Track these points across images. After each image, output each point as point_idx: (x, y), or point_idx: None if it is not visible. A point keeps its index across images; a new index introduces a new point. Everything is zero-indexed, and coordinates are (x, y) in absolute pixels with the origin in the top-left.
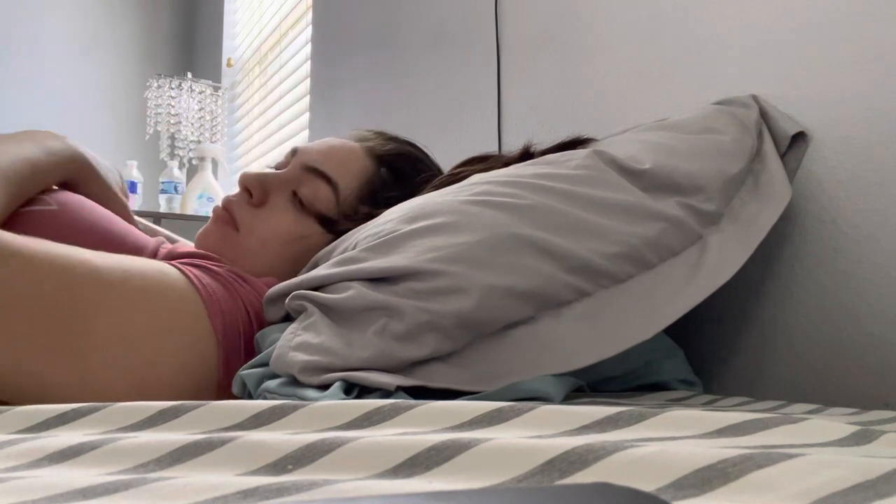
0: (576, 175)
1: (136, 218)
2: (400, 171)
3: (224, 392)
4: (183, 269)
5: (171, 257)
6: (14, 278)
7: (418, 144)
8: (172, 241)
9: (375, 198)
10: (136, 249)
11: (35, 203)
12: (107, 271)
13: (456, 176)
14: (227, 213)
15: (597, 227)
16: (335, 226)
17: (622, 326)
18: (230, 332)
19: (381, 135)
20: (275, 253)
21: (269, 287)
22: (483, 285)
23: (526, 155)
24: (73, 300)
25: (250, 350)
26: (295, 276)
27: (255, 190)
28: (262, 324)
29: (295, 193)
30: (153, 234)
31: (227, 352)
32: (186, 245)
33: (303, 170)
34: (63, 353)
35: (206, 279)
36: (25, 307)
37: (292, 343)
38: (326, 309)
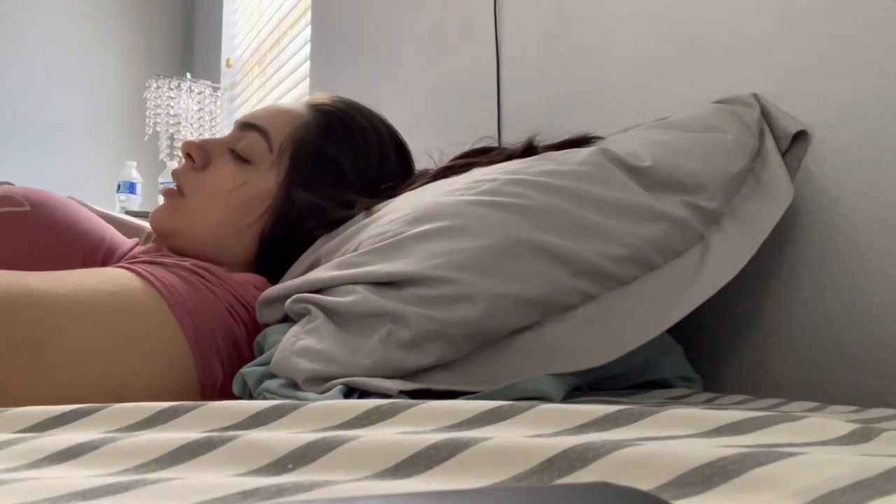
0: (581, 172)
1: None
2: (331, 122)
3: (208, 393)
4: (139, 270)
5: (132, 259)
6: None
7: (380, 120)
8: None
9: (309, 140)
10: (111, 250)
11: (7, 203)
12: (52, 292)
13: (457, 169)
14: (174, 189)
15: (603, 228)
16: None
17: (626, 329)
18: (201, 329)
19: (341, 99)
20: (220, 205)
21: (248, 282)
22: (490, 293)
23: (529, 149)
24: (27, 325)
25: (230, 346)
26: (243, 226)
27: (196, 153)
28: (246, 320)
29: (233, 150)
30: (140, 231)
31: (202, 351)
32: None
33: (238, 128)
34: (31, 374)
35: (167, 277)
36: None
37: (295, 347)
38: (330, 313)
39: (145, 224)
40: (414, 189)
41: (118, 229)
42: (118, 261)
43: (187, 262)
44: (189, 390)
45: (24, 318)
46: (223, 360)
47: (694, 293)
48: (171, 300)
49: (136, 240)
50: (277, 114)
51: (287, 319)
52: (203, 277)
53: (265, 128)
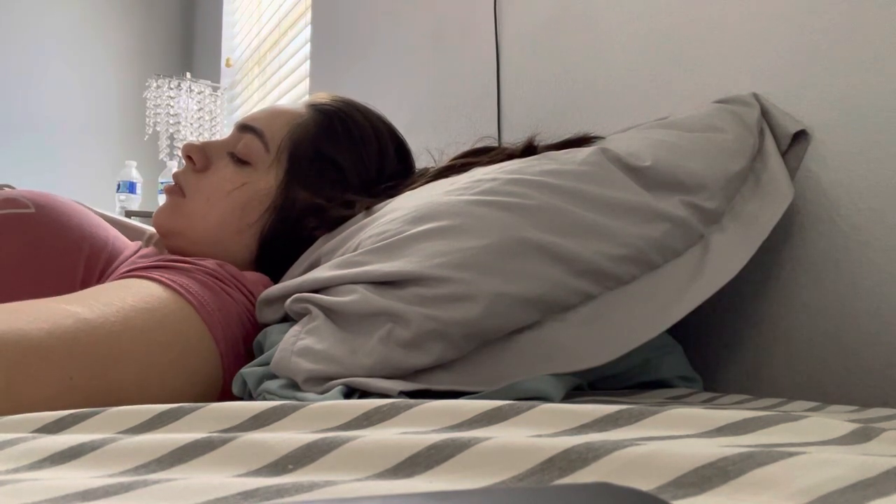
0: (581, 172)
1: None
2: (330, 122)
3: (228, 398)
4: (166, 281)
5: (145, 263)
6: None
7: (379, 119)
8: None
9: (308, 140)
10: (114, 253)
11: (11, 206)
12: (106, 322)
13: (457, 168)
14: (175, 185)
15: (603, 228)
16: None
17: (626, 328)
18: (229, 337)
19: (341, 99)
20: (220, 206)
21: (258, 282)
22: (491, 293)
23: (529, 149)
24: (91, 350)
25: (246, 349)
26: (243, 227)
27: (196, 155)
28: (256, 321)
29: (232, 153)
30: (142, 234)
31: (230, 358)
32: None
33: (236, 130)
34: (91, 391)
35: (193, 286)
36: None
37: (295, 347)
38: (330, 312)
39: (147, 227)
40: (414, 188)
41: (120, 232)
42: (122, 263)
43: (207, 264)
44: (212, 396)
45: (88, 343)
46: (243, 364)
47: (694, 293)
48: (201, 311)
49: (139, 243)
50: (275, 114)
51: (287, 319)
52: (221, 280)
53: (261, 129)
